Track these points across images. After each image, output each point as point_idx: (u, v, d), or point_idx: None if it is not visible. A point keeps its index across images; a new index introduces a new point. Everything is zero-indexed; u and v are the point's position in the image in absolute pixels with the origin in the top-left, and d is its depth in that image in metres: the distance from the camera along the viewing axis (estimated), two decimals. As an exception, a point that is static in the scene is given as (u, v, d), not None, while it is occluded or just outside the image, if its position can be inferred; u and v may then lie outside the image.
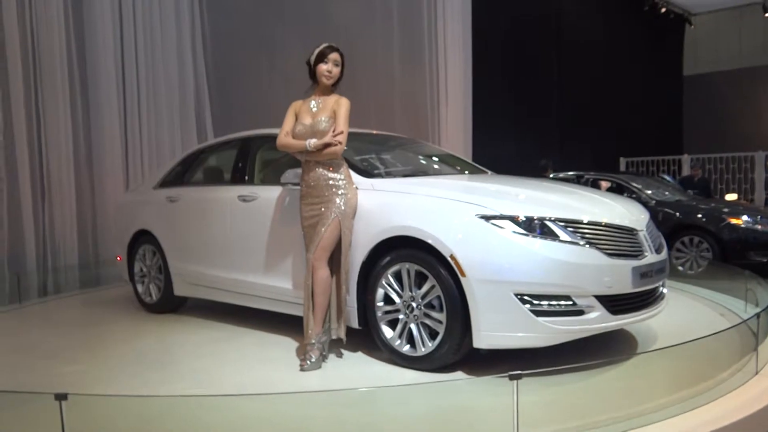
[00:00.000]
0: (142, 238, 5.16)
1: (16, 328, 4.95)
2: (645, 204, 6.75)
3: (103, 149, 7.09)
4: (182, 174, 5.16)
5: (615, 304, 3.15)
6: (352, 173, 3.66)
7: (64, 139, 6.67)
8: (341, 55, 3.57)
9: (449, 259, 3.11)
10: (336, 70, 3.54)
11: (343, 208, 3.46)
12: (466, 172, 4.50)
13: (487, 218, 3.11)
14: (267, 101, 8.17)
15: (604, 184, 7.91)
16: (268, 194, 4.10)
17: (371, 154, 4.29)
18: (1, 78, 6.20)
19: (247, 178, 4.42)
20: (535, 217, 3.10)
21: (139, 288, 5.23)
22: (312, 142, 3.43)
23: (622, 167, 13.73)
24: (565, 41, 12.70)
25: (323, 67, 3.53)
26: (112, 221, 6.41)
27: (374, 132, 4.87)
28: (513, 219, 3.09)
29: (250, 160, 4.45)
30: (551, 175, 7.90)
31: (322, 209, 3.46)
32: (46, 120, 6.56)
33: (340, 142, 3.39)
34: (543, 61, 12.21)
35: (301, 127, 3.53)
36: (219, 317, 4.81)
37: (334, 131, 3.42)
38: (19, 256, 6.26)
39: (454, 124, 8.39)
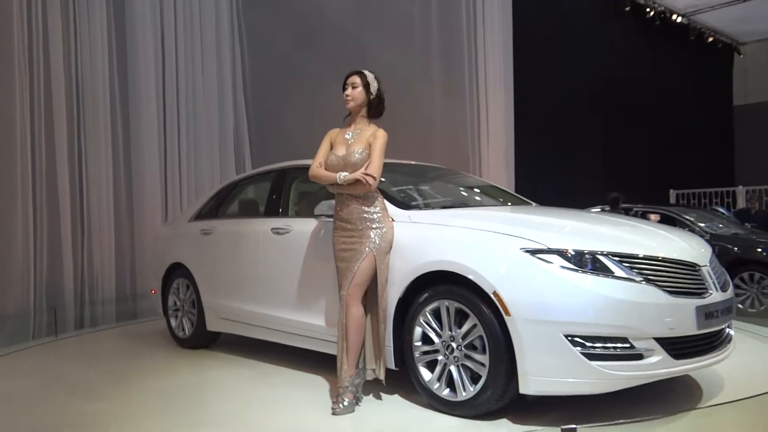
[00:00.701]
0: (177, 271, 5.14)
1: (50, 361, 4.94)
2: (699, 238, 6.35)
3: (143, 183, 7.14)
4: (217, 206, 5.14)
5: (677, 347, 2.90)
6: (389, 205, 3.53)
7: (104, 173, 6.74)
8: (361, 76, 3.45)
9: (492, 296, 2.94)
10: (355, 93, 3.44)
11: (378, 242, 3.32)
12: (509, 203, 4.39)
13: (533, 252, 2.93)
14: (305, 134, 8.12)
15: (654, 217, 7.55)
16: (302, 227, 4.00)
17: (409, 185, 4.18)
18: (46, 115, 6.30)
19: (281, 210, 4.35)
20: (585, 251, 2.90)
21: (173, 322, 5.19)
22: (342, 176, 3.32)
23: (672, 200, 13.27)
24: (611, 73, 12.47)
25: (344, 94, 3.45)
26: (150, 254, 6.41)
27: (412, 163, 4.76)
28: (561, 253, 2.90)
29: (285, 191, 4.39)
30: (622, 209, 7.59)
31: (356, 244, 3.33)
32: (88, 155, 6.64)
33: (370, 181, 3.26)
34: (589, 93, 11.97)
35: (334, 158, 3.42)
36: (251, 353, 4.70)
37: (366, 167, 3.29)
38: (57, 290, 6.29)
39: (496, 156, 8.19)
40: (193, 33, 7.77)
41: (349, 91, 3.44)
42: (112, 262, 6.75)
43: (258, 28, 8.79)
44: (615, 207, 7.55)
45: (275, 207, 4.38)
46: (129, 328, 6.22)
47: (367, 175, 3.27)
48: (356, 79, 3.44)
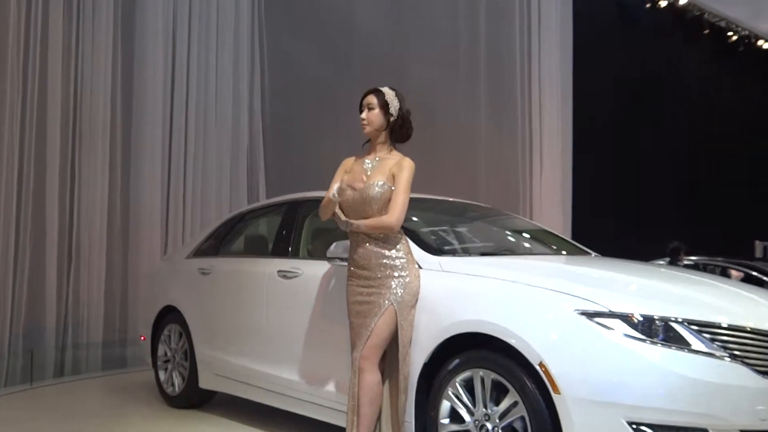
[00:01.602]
0: (169, 315, 5.15)
1: (21, 414, 4.87)
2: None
3: (142, 211, 7.15)
4: (219, 242, 5.15)
5: (770, 444, 2.69)
6: (415, 248, 3.41)
7: (99, 196, 6.75)
8: (377, 95, 3.37)
9: (538, 368, 2.79)
10: (371, 116, 3.36)
11: (400, 294, 3.20)
12: (564, 252, 4.35)
13: (591, 315, 2.78)
14: (330, 162, 8.02)
15: (737, 274, 7.23)
16: (313, 271, 3.94)
17: (442, 226, 4.14)
18: (38, 128, 6.34)
19: (290, 249, 4.30)
20: (656, 317, 2.75)
21: (161, 376, 5.16)
22: (349, 221, 3.24)
23: (758, 253, 12.83)
24: (684, 104, 12.22)
25: (360, 117, 3.39)
26: (144, 293, 6.41)
27: (448, 199, 4.70)
28: (626, 318, 2.75)
29: (296, 228, 4.35)
30: (684, 261, 7.30)
31: (374, 295, 3.22)
32: (81, 176, 6.67)
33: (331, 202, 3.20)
34: (658, 127, 11.73)
35: (350, 192, 3.32)
36: (248, 418, 4.60)
37: (389, 205, 3.22)
38: (36, 329, 6.24)
39: (550, 195, 7.99)
40: (208, 43, 7.86)
41: (364, 113, 3.37)
42: (101, 298, 6.70)
43: (281, 40, 8.87)
44: (675, 259, 7.24)
45: (284, 246, 4.34)
46: (115, 379, 6.17)
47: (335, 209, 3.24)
48: (372, 100, 3.37)
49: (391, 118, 3.35)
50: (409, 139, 3.43)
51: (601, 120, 10.35)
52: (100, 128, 6.76)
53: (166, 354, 5.12)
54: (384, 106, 3.34)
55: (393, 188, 3.26)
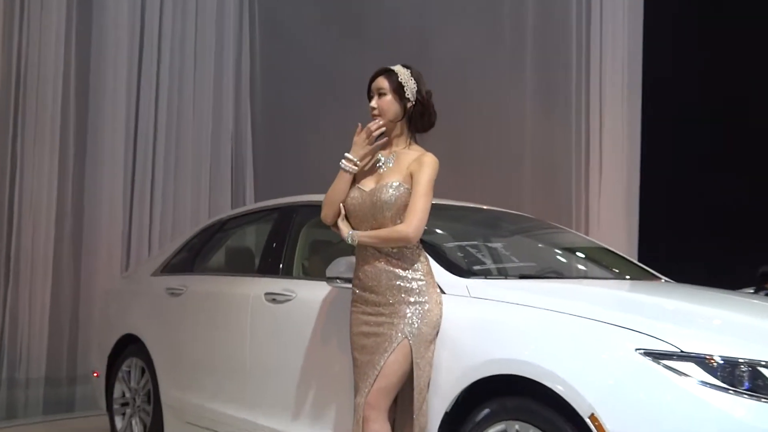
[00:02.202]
0: (130, 347, 5.18)
1: None
2: None
3: (99, 216, 7.20)
4: (193, 256, 5.20)
5: None
6: (437, 268, 3.42)
7: (45, 200, 6.83)
8: (389, 77, 3.39)
9: (588, 421, 2.76)
10: (382, 103, 3.38)
11: (416, 325, 3.20)
12: (627, 277, 4.33)
13: (658, 357, 2.75)
14: (333, 158, 8.07)
15: None
16: (309, 294, 3.95)
17: (472, 240, 4.17)
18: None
19: (282, 266, 4.32)
20: (741, 360, 2.72)
21: (118, 423, 5.20)
22: (353, 234, 3.31)
23: None
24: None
25: (369, 105, 3.42)
26: (98, 319, 6.43)
27: (481, 207, 4.72)
28: (702, 360, 2.72)
29: (289, 239, 4.38)
30: None
31: (384, 326, 3.22)
32: (24, 174, 6.74)
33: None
34: (751, 117, 11.61)
35: (357, 194, 3.35)
36: None
37: (406, 212, 3.24)
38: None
39: (612, 204, 7.97)
40: (185, 8, 7.91)
41: (374, 100, 3.40)
42: (45, 324, 6.77)
43: (278, 11, 8.90)
44: (764, 286, 7.21)
45: (274, 261, 4.37)
46: (60, 426, 6.19)
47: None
48: (382, 83, 3.39)
49: (408, 104, 3.37)
50: (432, 127, 3.45)
51: (680, 113, 10.27)
52: (48, 113, 6.84)
53: (124, 395, 5.11)
54: (398, 89, 3.35)
55: (411, 191, 3.28)
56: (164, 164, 7.69)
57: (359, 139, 3.36)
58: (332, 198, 3.41)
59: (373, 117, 3.39)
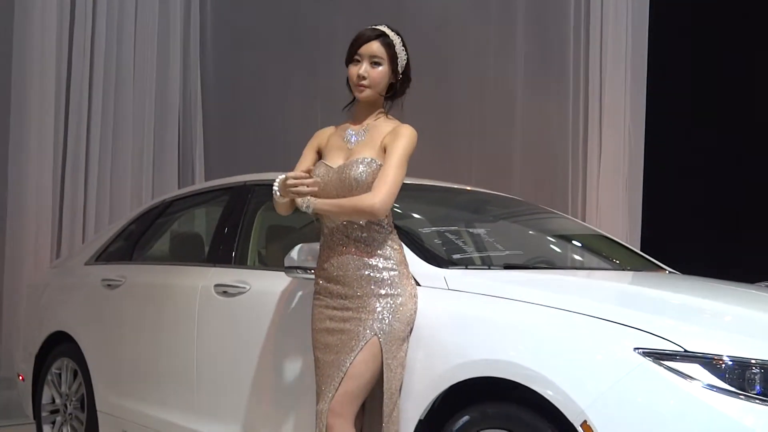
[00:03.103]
0: (60, 346, 5.17)
1: None
2: None
3: (24, 197, 7.16)
4: (133, 242, 5.18)
5: None
6: (412, 257, 3.45)
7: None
8: (387, 44, 3.39)
9: (580, 429, 2.79)
10: (375, 74, 3.37)
11: (388, 321, 3.21)
12: (627, 267, 4.36)
13: (659, 357, 2.77)
14: (297, 133, 8.06)
15: None
16: (265, 285, 3.96)
17: (452, 225, 4.20)
18: None
19: (234, 254, 4.34)
20: (751, 360, 2.75)
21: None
22: (310, 201, 3.25)
23: None
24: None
25: (353, 71, 3.39)
26: (24, 314, 6.42)
27: (464, 188, 4.77)
28: (709, 361, 2.75)
29: (243, 224, 4.38)
30: None
31: (351, 322, 3.24)
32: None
33: (308, 192, 3.21)
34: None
35: (324, 171, 3.35)
36: None
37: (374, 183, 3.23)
38: None
39: (611, 186, 8.03)
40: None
41: (363, 68, 3.36)
42: (-37, 321, 6.73)
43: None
44: None
45: (226, 249, 4.38)
46: (-21, 436, 6.21)
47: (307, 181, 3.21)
48: (379, 50, 3.37)
49: (398, 76, 3.40)
50: (403, 94, 3.48)
51: (690, 87, 10.32)
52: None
53: (53, 401, 5.12)
54: (393, 60, 3.36)
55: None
56: (101, 137, 7.65)
57: (289, 183, 3.24)
58: (281, 209, 3.40)
59: (359, 87, 3.36)
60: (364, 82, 3.35)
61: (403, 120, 3.47)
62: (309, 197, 3.24)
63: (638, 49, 7.97)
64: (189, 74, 8.43)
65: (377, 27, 3.41)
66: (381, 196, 3.19)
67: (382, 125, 3.40)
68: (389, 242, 3.32)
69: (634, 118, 7.96)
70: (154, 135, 8.03)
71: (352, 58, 3.39)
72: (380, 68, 3.36)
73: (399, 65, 3.39)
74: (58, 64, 7.37)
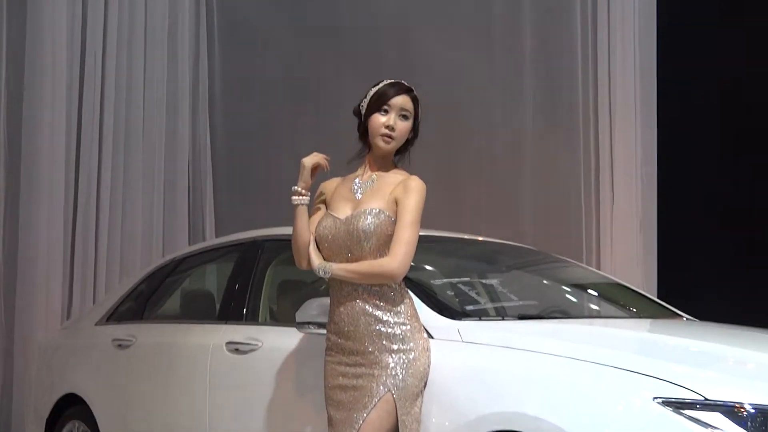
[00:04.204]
0: (71, 408, 5.14)
1: None
2: None
3: (34, 255, 7.11)
4: (144, 301, 5.17)
5: None
6: (424, 309, 3.45)
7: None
8: (415, 101, 3.44)
9: None
10: (403, 127, 3.40)
11: (401, 377, 3.20)
12: (643, 316, 4.38)
13: (678, 406, 2.75)
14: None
15: None
16: (278, 342, 3.96)
17: (465, 276, 4.21)
18: None
19: (246, 311, 4.33)
20: None
21: None
22: (326, 267, 3.29)
23: None
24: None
25: (380, 121, 3.37)
26: (35, 376, 6.28)
27: (476, 238, 4.77)
28: (730, 409, 2.72)
29: (254, 280, 4.37)
30: None
31: (364, 378, 3.22)
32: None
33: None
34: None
35: (330, 222, 3.35)
36: None
37: (391, 244, 3.24)
38: None
39: (626, 233, 7.97)
40: (133, 8, 7.91)
41: (394, 120, 3.37)
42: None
43: (239, 11, 8.91)
44: None
45: (237, 306, 4.38)
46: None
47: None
48: (410, 105, 3.41)
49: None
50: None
51: (702, 121, 10.27)
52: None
53: (65, 468, 5.13)
54: (416, 116, 3.42)
55: (395, 220, 3.28)
56: (110, 196, 7.61)
57: (306, 167, 3.40)
58: (299, 242, 3.40)
59: (386, 138, 3.36)
60: (392, 133, 3.36)
61: (410, 171, 3.48)
62: (327, 263, 3.26)
63: (647, 89, 7.98)
64: (198, 128, 8.42)
65: (403, 82, 3.45)
66: (399, 258, 3.20)
67: (390, 176, 3.41)
68: (400, 296, 3.30)
69: (646, 162, 7.94)
70: (165, 193, 8.01)
71: (380, 107, 3.38)
72: (407, 122, 3.39)
73: (417, 121, 3.44)
74: (68, 120, 7.35)
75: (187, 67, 8.37)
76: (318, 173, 3.48)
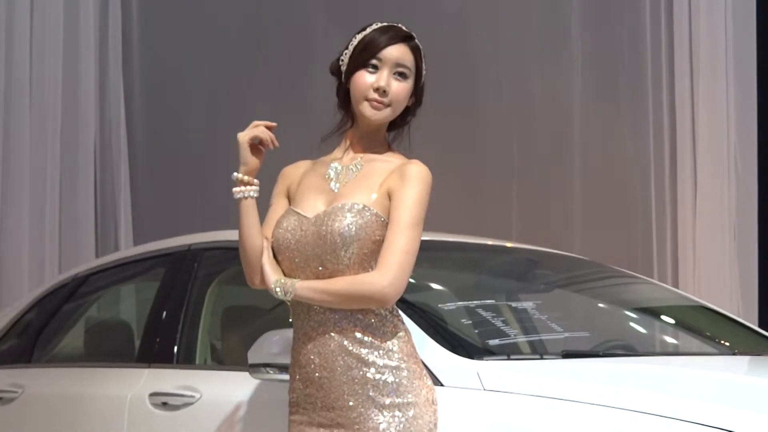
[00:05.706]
0: None
1: None
2: None
3: None
4: (32, 338, 5.22)
5: None
6: (428, 345, 3.49)
7: None
8: (417, 53, 3.43)
9: None
10: (400, 89, 3.37)
11: None
12: (735, 350, 4.40)
13: None
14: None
15: None
16: (221, 392, 4.03)
17: (487, 298, 4.23)
18: None
19: (177, 349, 4.39)
20: None
21: None
22: (288, 284, 3.24)
23: None
24: None
25: (366, 81, 3.35)
26: None
27: (505, 245, 4.85)
28: None
29: (189, 305, 4.43)
30: None
31: None
32: None
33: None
34: None
35: (294, 221, 3.32)
36: None
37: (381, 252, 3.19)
38: None
39: (713, 236, 8.04)
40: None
41: (386, 79, 3.35)
42: None
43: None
44: None
45: (165, 342, 4.45)
46: None
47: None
48: (408, 58, 3.40)
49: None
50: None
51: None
52: None
53: None
54: (419, 73, 3.40)
55: (386, 220, 3.26)
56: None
57: (242, 143, 3.32)
58: (248, 251, 3.35)
59: (375, 104, 3.34)
60: (385, 99, 3.33)
61: (411, 155, 3.47)
62: (289, 279, 3.23)
63: (744, 43, 8.01)
64: (107, 95, 8.50)
65: (401, 26, 3.44)
66: (391, 273, 3.14)
67: (381, 160, 3.39)
68: (392, 327, 3.27)
69: (741, 141, 7.96)
70: (60, 184, 8.10)
71: (366, 62, 3.37)
72: (406, 82, 3.37)
73: (421, 82, 3.44)
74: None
75: (91, 13, 8.43)
76: (267, 151, 3.44)
